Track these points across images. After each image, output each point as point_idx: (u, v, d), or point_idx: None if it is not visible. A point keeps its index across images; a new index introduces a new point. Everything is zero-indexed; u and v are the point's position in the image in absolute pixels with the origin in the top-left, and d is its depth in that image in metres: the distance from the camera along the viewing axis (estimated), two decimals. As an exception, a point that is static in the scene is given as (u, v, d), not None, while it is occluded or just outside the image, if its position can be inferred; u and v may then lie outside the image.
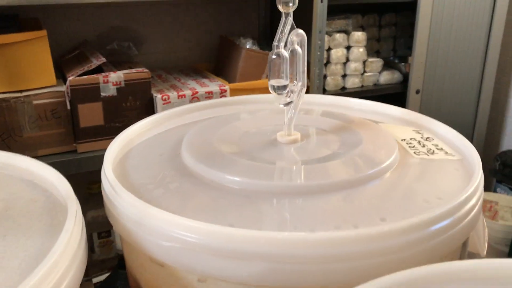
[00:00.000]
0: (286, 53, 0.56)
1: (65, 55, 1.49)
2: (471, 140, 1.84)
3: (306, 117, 0.68)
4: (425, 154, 0.59)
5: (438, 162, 0.57)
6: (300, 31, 0.58)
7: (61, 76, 1.38)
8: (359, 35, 1.72)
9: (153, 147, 0.61)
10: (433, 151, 0.59)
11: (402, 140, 0.62)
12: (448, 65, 1.79)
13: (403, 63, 1.81)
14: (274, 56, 0.55)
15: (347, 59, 1.73)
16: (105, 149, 0.56)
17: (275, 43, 0.56)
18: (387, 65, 1.83)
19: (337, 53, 1.71)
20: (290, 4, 0.56)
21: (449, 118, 1.85)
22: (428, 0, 1.71)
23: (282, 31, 0.56)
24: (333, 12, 1.66)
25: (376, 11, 1.85)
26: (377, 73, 1.78)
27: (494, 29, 1.80)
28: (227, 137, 0.61)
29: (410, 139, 0.63)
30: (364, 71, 1.76)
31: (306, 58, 0.59)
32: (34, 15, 1.47)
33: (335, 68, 1.71)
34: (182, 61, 1.66)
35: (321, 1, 1.51)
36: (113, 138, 0.63)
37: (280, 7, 0.56)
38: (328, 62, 1.71)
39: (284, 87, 0.57)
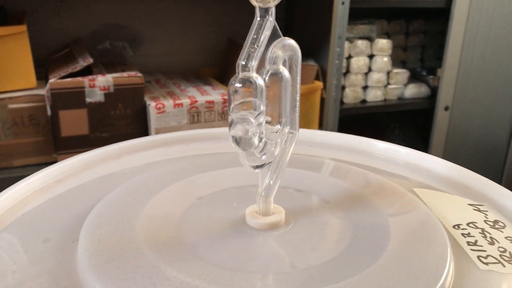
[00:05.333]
0: (260, 80, 0.29)
1: (54, 54, 1.24)
2: (502, 168, 1.54)
3: (299, 174, 0.41)
4: (497, 261, 0.31)
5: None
6: (290, 41, 0.31)
7: (45, 77, 1.14)
8: (383, 43, 1.43)
9: (41, 224, 0.34)
10: (511, 253, 0.32)
11: (454, 227, 0.35)
12: (482, 80, 1.49)
13: (431, 76, 1.51)
14: (238, 85, 0.29)
15: (369, 69, 1.45)
16: None
17: (241, 62, 0.29)
18: (414, 77, 1.53)
19: (358, 62, 1.42)
20: (274, -6, 0.29)
21: (479, 140, 1.55)
22: (463, 6, 1.41)
23: (255, 41, 0.29)
24: (355, 16, 1.38)
25: (404, 17, 1.56)
26: (402, 86, 1.49)
27: (536, 42, 1.49)
28: (165, 209, 0.35)
29: (468, 225, 0.35)
30: (388, 83, 1.47)
31: (299, 86, 0.32)
32: (23, 8, 1.23)
33: (355, 79, 1.43)
34: (185, 65, 1.40)
35: (342, 3, 1.23)
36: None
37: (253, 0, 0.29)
38: (347, 71, 1.42)
39: (256, 138, 0.30)
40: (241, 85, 0.29)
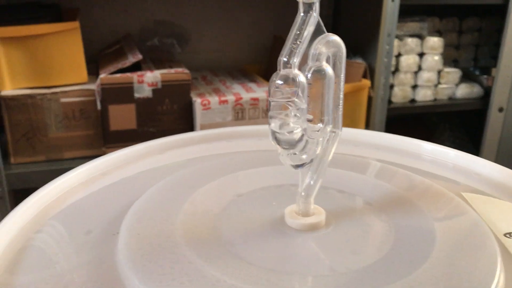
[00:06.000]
0: (302, 77, 0.28)
1: (105, 50, 1.28)
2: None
3: (342, 174, 0.40)
4: (553, 274, 0.29)
5: None
6: (334, 37, 0.30)
7: (96, 73, 1.17)
8: (435, 41, 1.39)
9: (85, 216, 0.35)
10: None
11: (506, 235, 0.33)
12: (541, 80, 1.41)
13: (485, 76, 1.45)
14: (279, 82, 0.28)
15: (419, 68, 1.40)
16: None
17: (283, 58, 0.28)
18: (466, 77, 1.47)
19: (408, 60, 1.38)
20: (319, -11, 0.29)
21: (536, 142, 1.47)
22: (522, 3, 1.34)
23: (297, 37, 0.28)
24: (406, 13, 1.34)
25: (457, 14, 1.50)
26: (454, 86, 1.44)
27: None
28: (204, 205, 0.35)
29: (521, 233, 0.33)
30: (439, 83, 1.43)
31: (343, 83, 0.32)
32: (77, 5, 1.27)
33: (404, 78, 1.39)
34: (231, 61, 1.40)
35: (392, 0, 1.20)
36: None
37: (296, -7, 0.28)
38: (396, 70, 1.39)
39: (297, 137, 0.29)
40: (282, 82, 0.28)
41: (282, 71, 0.28)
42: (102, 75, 1.09)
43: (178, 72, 1.15)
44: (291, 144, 0.29)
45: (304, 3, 0.28)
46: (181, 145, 0.46)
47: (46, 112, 1.10)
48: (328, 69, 0.30)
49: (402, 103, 1.41)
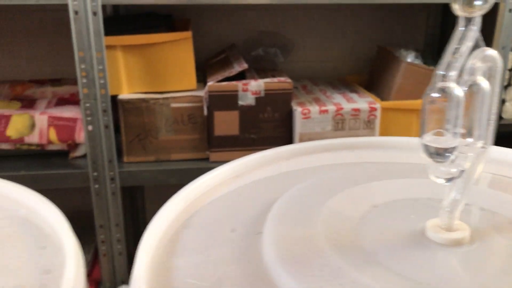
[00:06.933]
0: (460, 91, 0.28)
1: (211, 58, 1.34)
2: None
3: (483, 191, 0.39)
4: None
5: None
6: (491, 51, 0.30)
7: (203, 80, 1.22)
8: (554, 54, 1.29)
9: (227, 214, 0.37)
10: None
11: None
12: None
13: None
14: (435, 95, 0.28)
15: (535, 83, 1.32)
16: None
17: (440, 72, 0.28)
18: None
19: (522, 74, 1.30)
20: (478, 3, 0.28)
21: None
22: None
23: (456, 50, 0.28)
24: (523, 24, 1.26)
25: None
26: None
27: None
28: (341, 212, 0.35)
29: None
30: (556, 99, 1.33)
31: (497, 99, 0.31)
32: (188, 16, 1.34)
33: (516, 92, 1.31)
34: (332, 71, 1.40)
35: (510, 10, 1.14)
36: (247, 150, 0.44)
37: (457, 8, 0.28)
38: (509, 84, 1.31)
39: (449, 150, 0.29)
40: (438, 95, 0.28)
41: (439, 84, 0.28)
42: (210, 83, 1.14)
43: (281, 81, 1.17)
44: (443, 158, 0.29)
45: (465, 17, 0.28)
46: (307, 152, 0.47)
47: (158, 115, 1.17)
48: (484, 84, 0.30)
49: (513, 119, 1.32)
